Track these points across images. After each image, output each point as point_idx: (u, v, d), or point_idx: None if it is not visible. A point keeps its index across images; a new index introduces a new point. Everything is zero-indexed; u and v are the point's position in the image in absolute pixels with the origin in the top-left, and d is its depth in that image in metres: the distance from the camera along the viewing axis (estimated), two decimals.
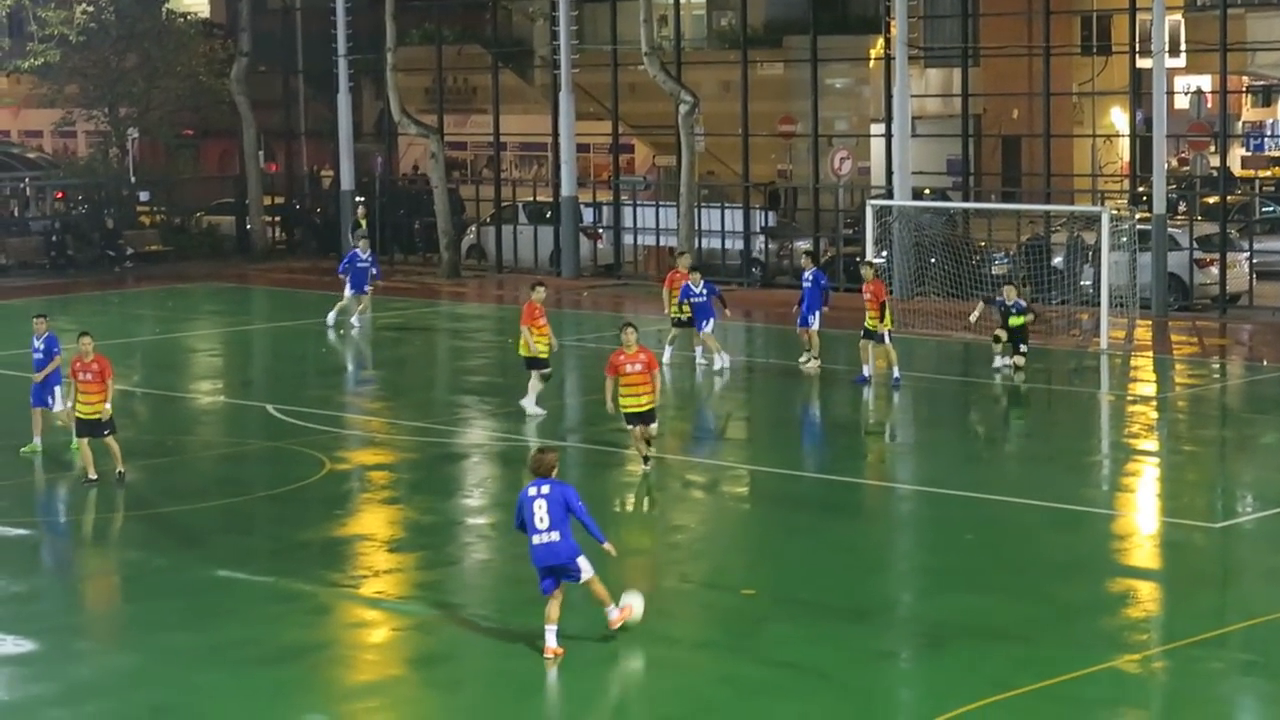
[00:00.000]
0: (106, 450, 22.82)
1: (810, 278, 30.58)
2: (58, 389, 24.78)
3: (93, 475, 22.67)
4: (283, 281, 46.27)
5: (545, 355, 26.67)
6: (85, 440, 22.81)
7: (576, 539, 16.22)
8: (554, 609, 16.05)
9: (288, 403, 28.42)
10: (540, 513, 15.97)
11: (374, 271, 36.80)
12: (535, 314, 26.59)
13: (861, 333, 29.24)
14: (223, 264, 49.53)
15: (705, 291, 30.51)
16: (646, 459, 23.13)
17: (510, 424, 27.09)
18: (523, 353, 26.88)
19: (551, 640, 15.96)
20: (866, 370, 29.04)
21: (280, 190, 53.78)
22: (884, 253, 37.13)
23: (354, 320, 36.28)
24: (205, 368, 34.36)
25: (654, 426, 23.20)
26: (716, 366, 30.38)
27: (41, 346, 24.83)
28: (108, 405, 22.71)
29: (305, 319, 39.42)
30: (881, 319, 28.85)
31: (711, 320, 30.38)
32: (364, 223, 43.25)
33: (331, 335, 35.40)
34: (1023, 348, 29.81)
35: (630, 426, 23.10)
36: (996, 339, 30.07)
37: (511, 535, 20.65)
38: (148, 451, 25.49)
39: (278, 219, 53.22)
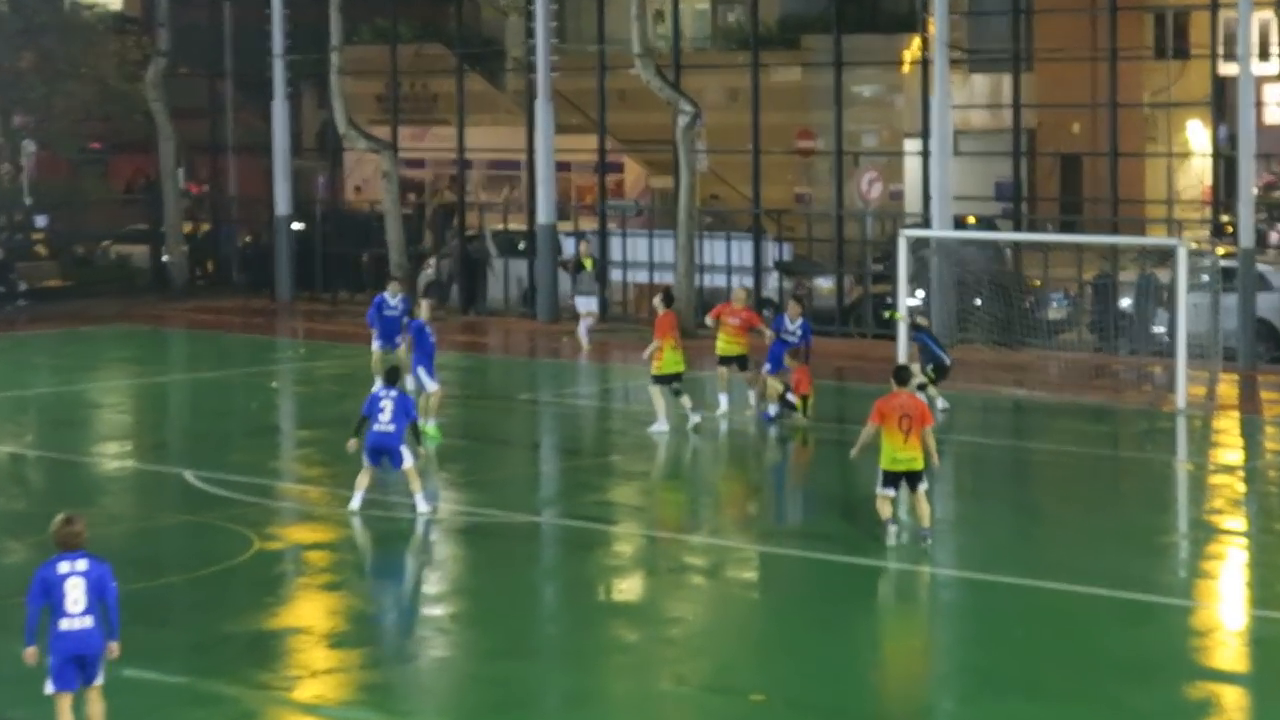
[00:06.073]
0: None
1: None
2: None
3: None
4: (206, 324, 46.25)
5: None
6: None
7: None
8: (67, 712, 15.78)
9: (210, 469, 28.35)
10: (75, 593, 15.71)
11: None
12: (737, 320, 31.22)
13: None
14: (134, 302, 49.51)
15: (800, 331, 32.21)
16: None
17: (474, 494, 27.06)
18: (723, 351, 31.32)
19: None
20: (772, 409, 31.37)
21: (205, 215, 53.88)
22: (920, 291, 37.16)
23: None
24: (112, 426, 34.30)
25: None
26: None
27: None
28: None
29: (232, 368, 39.37)
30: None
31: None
32: (589, 263, 42.41)
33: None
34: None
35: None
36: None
37: (476, 629, 20.73)
38: (42, 526, 25.38)
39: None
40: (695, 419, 30.63)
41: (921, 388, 31.85)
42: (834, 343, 40.83)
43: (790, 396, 31.07)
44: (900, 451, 22.48)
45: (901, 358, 32.98)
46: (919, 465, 22.60)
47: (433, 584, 22.77)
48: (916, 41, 44.29)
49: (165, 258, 52.07)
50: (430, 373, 30.44)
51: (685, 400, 30.70)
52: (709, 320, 33.48)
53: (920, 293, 37.46)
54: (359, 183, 53.97)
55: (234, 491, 26.87)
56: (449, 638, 20.50)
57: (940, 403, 32.06)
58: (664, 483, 28.62)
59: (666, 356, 30.41)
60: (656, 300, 31.85)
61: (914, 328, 32.50)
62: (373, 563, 24.11)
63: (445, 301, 47.38)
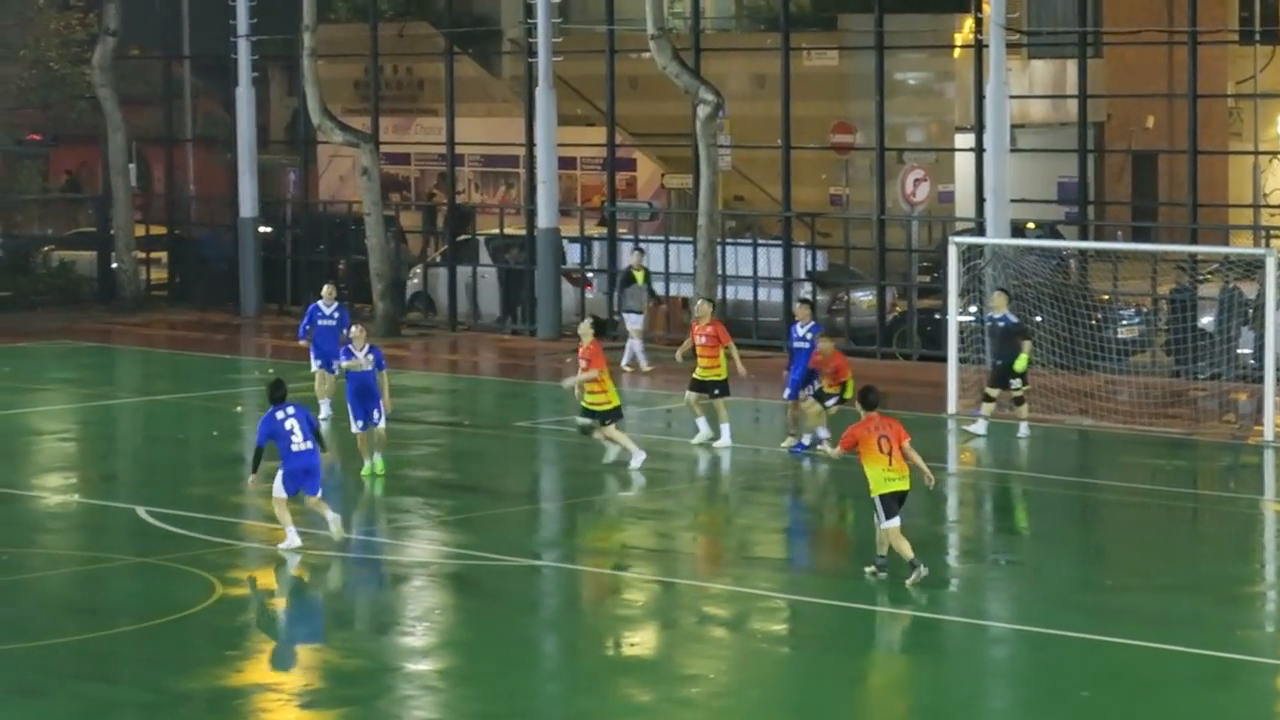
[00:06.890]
0: None
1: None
2: None
3: None
4: (160, 340, 46.28)
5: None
6: None
7: None
8: None
9: (165, 504, 28.43)
10: None
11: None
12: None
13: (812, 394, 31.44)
14: (79, 315, 49.59)
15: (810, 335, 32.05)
16: None
17: (465, 535, 27.12)
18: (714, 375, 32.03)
19: None
20: (807, 439, 31.72)
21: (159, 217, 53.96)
22: (972, 307, 37.22)
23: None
24: (54, 456, 34.39)
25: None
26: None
27: None
28: None
29: (190, 391, 39.43)
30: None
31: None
32: (640, 276, 42.17)
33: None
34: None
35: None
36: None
37: (466, 687, 20.78)
38: None
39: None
40: (641, 458, 30.67)
41: (1019, 401, 32.60)
42: (874, 365, 40.82)
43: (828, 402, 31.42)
44: (889, 471, 23.76)
45: (950, 387, 33.06)
46: (909, 484, 23.79)
47: (417, 636, 22.77)
48: (969, 22, 44.31)
49: (115, 265, 52.11)
50: (360, 411, 30.16)
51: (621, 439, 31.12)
52: (679, 356, 33.72)
53: (972, 307, 37.48)
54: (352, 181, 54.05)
55: (192, 530, 26.93)
56: (436, 697, 20.50)
57: (1024, 428, 32.81)
58: (680, 522, 28.62)
59: (610, 389, 30.56)
60: (585, 326, 31.38)
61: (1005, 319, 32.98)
62: (349, 611, 24.11)
63: (432, 312, 47.52)
